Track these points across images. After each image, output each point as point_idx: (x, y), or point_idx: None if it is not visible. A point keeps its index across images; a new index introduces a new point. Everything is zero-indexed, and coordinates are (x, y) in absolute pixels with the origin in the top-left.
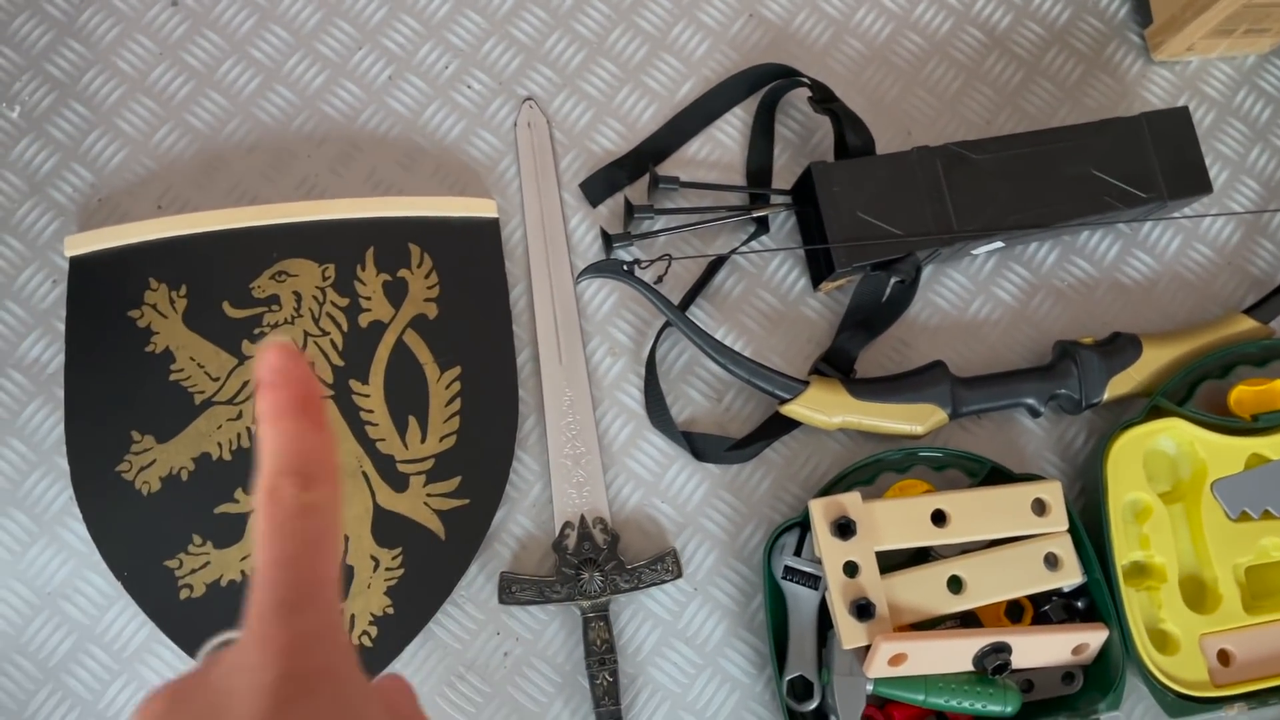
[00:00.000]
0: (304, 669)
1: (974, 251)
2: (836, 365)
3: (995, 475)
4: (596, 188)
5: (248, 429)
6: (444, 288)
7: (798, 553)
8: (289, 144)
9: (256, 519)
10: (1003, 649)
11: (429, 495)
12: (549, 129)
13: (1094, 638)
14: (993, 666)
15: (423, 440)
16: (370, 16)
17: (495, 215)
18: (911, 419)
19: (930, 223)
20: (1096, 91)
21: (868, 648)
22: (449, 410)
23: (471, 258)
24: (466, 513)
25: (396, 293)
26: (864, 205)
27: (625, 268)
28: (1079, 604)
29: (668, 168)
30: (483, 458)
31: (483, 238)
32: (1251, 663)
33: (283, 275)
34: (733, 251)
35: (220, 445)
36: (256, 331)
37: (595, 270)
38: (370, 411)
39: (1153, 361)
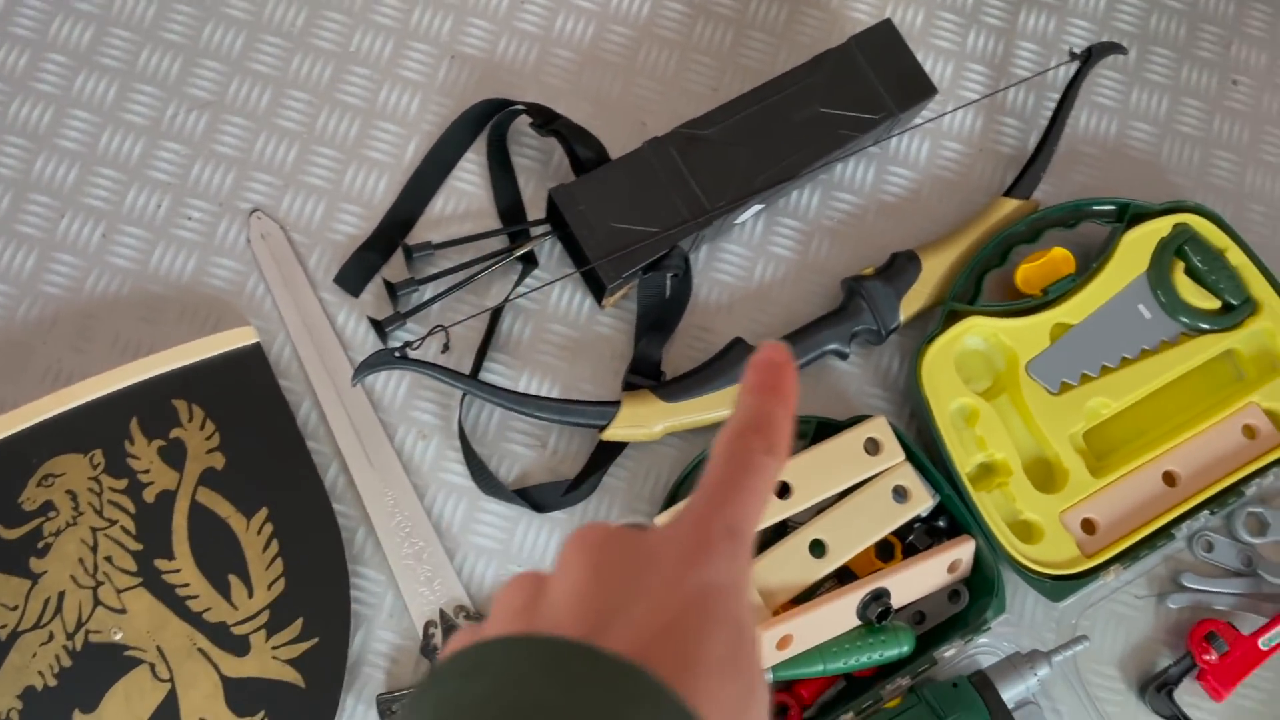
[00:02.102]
0: (719, 558)
1: (737, 221)
2: (645, 373)
3: (824, 429)
4: (352, 278)
5: (64, 648)
6: (224, 433)
7: None
8: (19, 337)
9: (714, 453)
10: (881, 595)
11: (274, 649)
12: (284, 234)
13: (963, 551)
14: (875, 615)
15: (250, 595)
16: (63, 180)
17: (256, 340)
18: (727, 404)
19: (683, 210)
20: (808, 27)
21: None
22: (268, 555)
23: (244, 392)
24: (319, 652)
25: (175, 455)
26: (615, 214)
27: (397, 354)
28: (941, 524)
29: (419, 234)
30: (319, 590)
31: (250, 368)
32: (1115, 523)
33: (49, 478)
34: (506, 299)
35: (41, 674)
36: (40, 545)
37: (368, 368)
38: (186, 585)
39: (935, 271)
